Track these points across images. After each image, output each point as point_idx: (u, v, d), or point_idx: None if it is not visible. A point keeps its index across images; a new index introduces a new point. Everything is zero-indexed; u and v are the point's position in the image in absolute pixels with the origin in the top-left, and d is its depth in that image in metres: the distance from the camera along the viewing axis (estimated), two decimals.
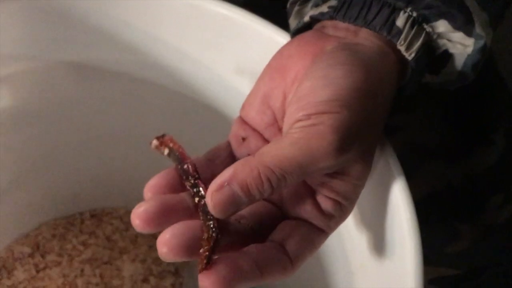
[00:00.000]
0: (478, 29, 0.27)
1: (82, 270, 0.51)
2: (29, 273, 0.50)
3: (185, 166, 0.26)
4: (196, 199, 0.26)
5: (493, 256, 0.44)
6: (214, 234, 0.24)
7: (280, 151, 0.24)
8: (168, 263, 0.52)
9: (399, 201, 0.28)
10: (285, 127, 0.26)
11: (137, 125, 0.45)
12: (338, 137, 0.24)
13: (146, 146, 0.49)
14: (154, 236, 0.54)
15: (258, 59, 0.33)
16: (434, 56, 0.28)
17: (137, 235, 0.54)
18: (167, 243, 0.24)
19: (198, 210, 0.25)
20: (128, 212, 0.54)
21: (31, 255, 0.51)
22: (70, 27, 0.36)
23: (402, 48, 0.27)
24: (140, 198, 0.52)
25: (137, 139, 0.48)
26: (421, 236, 0.30)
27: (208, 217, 0.25)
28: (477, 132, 0.42)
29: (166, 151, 0.27)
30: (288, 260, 0.25)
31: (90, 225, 0.54)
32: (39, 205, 0.52)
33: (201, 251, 0.24)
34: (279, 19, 0.34)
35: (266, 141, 0.28)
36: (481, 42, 0.27)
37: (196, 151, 0.28)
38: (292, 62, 0.27)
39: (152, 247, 0.53)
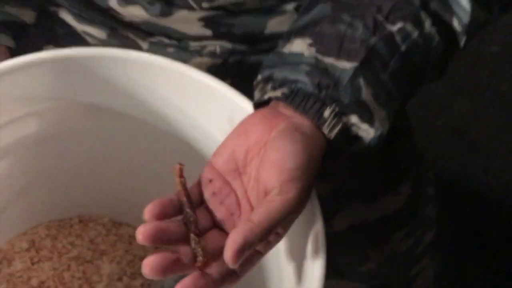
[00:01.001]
0: (377, 123, 0.40)
1: (69, 266, 0.62)
2: (25, 264, 0.61)
3: (185, 198, 0.38)
4: (190, 226, 0.37)
5: (394, 276, 0.58)
6: (201, 258, 0.36)
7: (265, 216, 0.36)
8: (140, 267, 0.63)
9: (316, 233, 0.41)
10: (262, 184, 0.37)
11: (129, 155, 0.57)
12: (302, 200, 0.37)
13: (132, 171, 0.61)
14: (130, 242, 0.66)
15: (227, 119, 0.46)
16: (349, 136, 0.41)
17: (116, 241, 0.65)
18: (150, 264, 0.35)
19: (188, 235, 0.37)
20: (111, 220, 0.66)
21: (28, 250, 0.62)
22: (88, 79, 0.48)
23: (326, 132, 0.40)
24: (121, 211, 0.66)
25: (127, 164, 0.60)
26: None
27: (196, 244, 0.36)
28: (387, 183, 0.55)
29: (180, 178, 0.38)
30: (236, 275, 0.37)
31: (78, 229, 0.65)
32: (38, 209, 0.63)
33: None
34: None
35: (228, 182, 0.40)
36: (379, 132, 0.40)
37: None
38: (255, 129, 0.39)
39: (128, 252, 0.64)
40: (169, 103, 0.50)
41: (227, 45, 0.53)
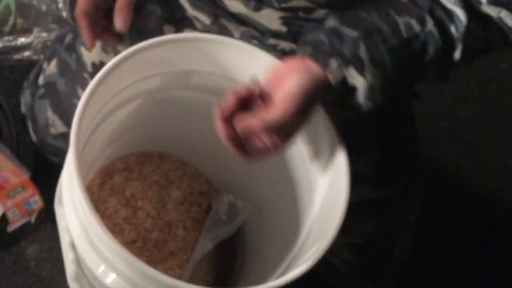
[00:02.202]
0: (368, 76, 0.56)
1: (150, 186, 0.85)
2: (121, 179, 0.83)
3: None
4: None
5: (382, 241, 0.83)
6: None
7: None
8: (197, 202, 0.86)
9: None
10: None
11: (204, 117, 0.79)
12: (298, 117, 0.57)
13: (203, 130, 0.80)
14: (192, 178, 0.88)
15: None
16: (347, 88, 0.58)
17: (182, 176, 0.88)
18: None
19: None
20: (180, 159, 0.88)
21: (123, 170, 0.84)
22: (197, 54, 0.71)
23: (330, 78, 0.57)
24: (188, 154, 0.92)
25: (201, 125, 0.82)
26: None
27: None
28: (390, 171, 0.79)
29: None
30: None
31: (158, 161, 0.87)
32: (134, 142, 0.85)
33: None
34: None
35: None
36: (369, 84, 0.56)
37: None
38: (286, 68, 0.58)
39: (189, 185, 0.87)
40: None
41: (294, 46, 0.73)
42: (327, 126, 0.66)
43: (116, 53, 0.79)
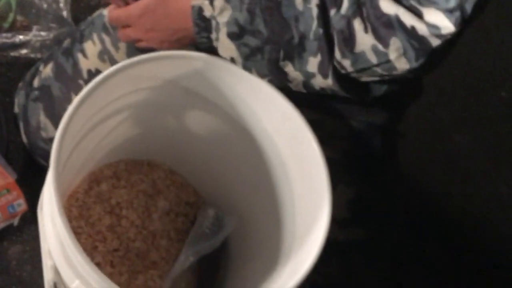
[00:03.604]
0: (217, 2, 0.64)
1: (137, 195, 0.85)
2: (108, 187, 0.83)
3: None
4: None
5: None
6: None
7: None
8: (183, 213, 0.87)
9: None
10: None
11: (195, 127, 0.80)
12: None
13: (193, 137, 0.82)
14: (180, 188, 0.89)
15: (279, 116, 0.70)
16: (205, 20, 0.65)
17: (170, 185, 0.88)
18: None
19: None
20: (169, 168, 0.88)
21: (111, 177, 0.84)
22: (191, 72, 0.72)
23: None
24: (177, 163, 0.92)
25: (190, 133, 0.82)
26: None
27: None
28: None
29: None
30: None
31: (146, 170, 0.87)
32: (123, 149, 0.85)
33: None
34: None
35: None
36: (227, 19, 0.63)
37: None
38: None
39: (177, 195, 0.88)
40: (241, 98, 0.71)
41: None
42: (312, 148, 0.66)
43: (112, 62, 0.80)
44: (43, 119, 0.83)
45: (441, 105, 1.17)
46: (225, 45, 0.65)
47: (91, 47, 0.80)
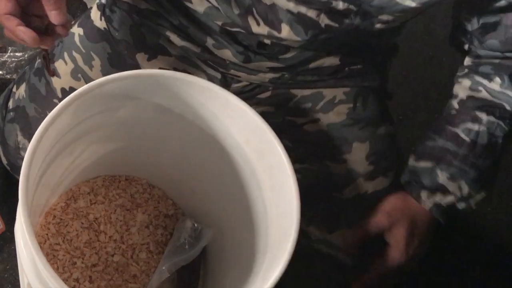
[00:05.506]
0: (458, 193, 0.72)
1: (115, 210, 0.86)
2: (85, 203, 0.85)
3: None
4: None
5: None
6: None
7: None
8: (162, 225, 0.88)
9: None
10: None
11: (170, 141, 0.81)
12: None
13: (169, 152, 0.84)
14: (158, 202, 0.90)
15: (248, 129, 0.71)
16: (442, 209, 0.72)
17: (149, 198, 0.89)
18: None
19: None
20: (147, 183, 0.90)
21: (88, 193, 0.86)
22: (161, 89, 0.73)
23: (425, 207, 0.72)
24: (155, 177, 0.94)
25: (167, 148, 0.83)
26: None
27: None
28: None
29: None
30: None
31: (124, 185, 0.88)
32: (100, 164, 0.86)
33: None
34: None
35: None
36: (459, 196, 0.72)
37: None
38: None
39: (156, 208, 0.89)
40: (211, 112, 0.73)
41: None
42: (281, 160, 0.68)
43: (87, 80, 0.81)
44: (21, 139, 0.84)
45: None
46: None
47: (63, 66, 0.81)
